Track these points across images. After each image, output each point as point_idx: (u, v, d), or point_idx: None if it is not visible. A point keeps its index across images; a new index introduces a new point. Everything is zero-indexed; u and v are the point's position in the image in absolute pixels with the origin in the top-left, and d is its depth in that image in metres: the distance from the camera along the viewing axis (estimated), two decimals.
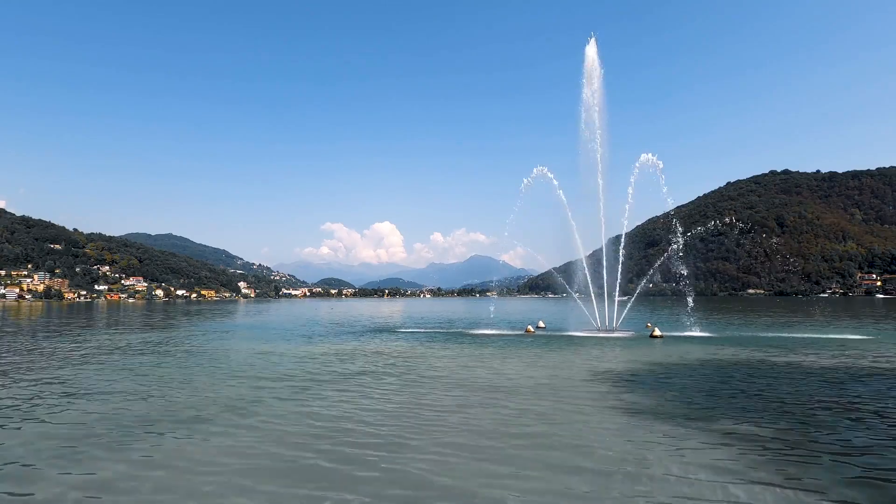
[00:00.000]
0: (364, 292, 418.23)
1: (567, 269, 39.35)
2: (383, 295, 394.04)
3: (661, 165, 34.27)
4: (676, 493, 6.96)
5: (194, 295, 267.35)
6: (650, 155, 34.29)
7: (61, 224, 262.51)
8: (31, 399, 13.32)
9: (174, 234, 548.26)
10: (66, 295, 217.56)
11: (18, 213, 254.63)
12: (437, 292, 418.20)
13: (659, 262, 42.14)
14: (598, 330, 33.52)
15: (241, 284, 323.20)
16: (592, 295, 35.37)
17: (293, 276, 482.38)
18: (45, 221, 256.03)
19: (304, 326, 43.21)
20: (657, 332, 29.77)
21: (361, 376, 16.84)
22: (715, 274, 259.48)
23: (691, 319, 37.68)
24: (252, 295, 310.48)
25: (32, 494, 7.10)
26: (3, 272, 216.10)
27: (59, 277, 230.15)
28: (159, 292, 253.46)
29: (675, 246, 38.68)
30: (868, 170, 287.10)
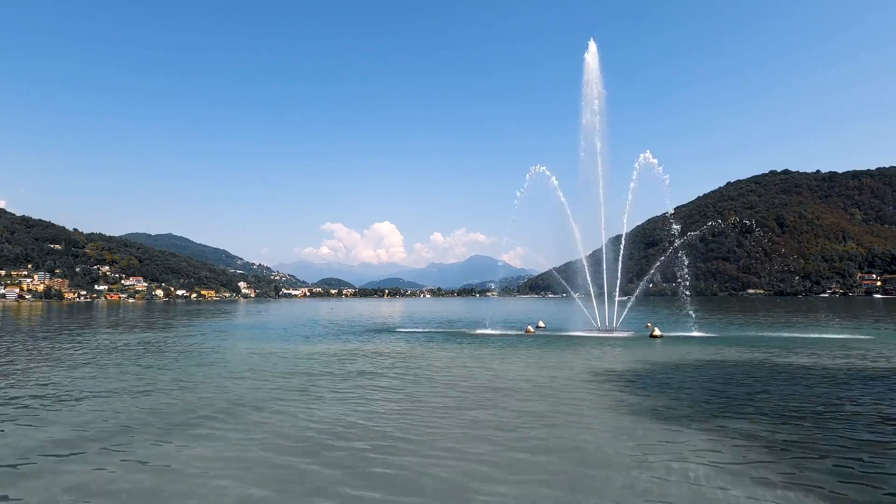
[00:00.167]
0: (364, 292, 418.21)
1: (567, 269, 39.33)
2: (383, 295, 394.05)
3: (655, 163, 34.29)
4: (676, 492, 6.93)
5: (194, 295, 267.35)
6: (647, 153, 34.33)
7: (61, 224, 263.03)
8: (23, 399, 13.27)
9: (174, 234, 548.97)
10: (66, 295, 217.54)
11: (18, 213, 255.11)
12: (437, 292, 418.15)
13: (659, 262, 42.10)
14: (598, 330, 33.50)
15: (241, 284, 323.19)
16: (592, 295, 35.35)
17: (293, 276, 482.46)
18: (45, 221, 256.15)
19: (304, 327, 43.18)
20: (657, 332, 29.75)
21: (361, 377, 16.81)
22: (715, 274, 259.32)
23: (691, 319, 37.66)
24: (252, 295, 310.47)
25: (21, 499, 6.97)
26: (3, 272, 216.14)
27: (59, 277, 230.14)
28: (159, 292, 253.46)
29: (675, 244, 38.63)
30: (868, 170, 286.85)
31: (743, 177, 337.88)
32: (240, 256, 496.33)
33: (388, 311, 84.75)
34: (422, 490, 7.18)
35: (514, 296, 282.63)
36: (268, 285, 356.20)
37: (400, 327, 41.20)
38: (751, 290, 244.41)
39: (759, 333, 32.76)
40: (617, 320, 34.36)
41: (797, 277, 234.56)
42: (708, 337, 29.94)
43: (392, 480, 7.53)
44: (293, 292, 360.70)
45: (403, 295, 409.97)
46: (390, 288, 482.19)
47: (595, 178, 34.76)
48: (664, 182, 34.31)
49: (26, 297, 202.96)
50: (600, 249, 35.22)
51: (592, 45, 35.96)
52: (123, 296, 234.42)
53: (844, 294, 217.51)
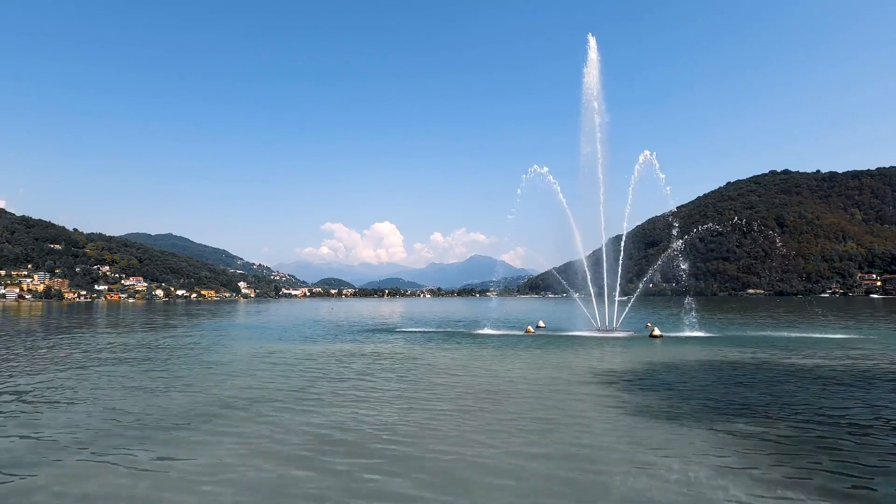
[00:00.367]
0: (364, 292, 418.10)
1: (567, 269, 39.32)
2: (383, 295, 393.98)
3: (657, 166, 34.29)
4: (677, 492, 6.93)
5: (194, 295, 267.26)
6: (648, 152, 34.33)
7: (61, 224, 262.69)
8: (18, 401, 13.26)
9: (174, 234, 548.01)
10: (66, 295, 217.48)
11: (18, 213, 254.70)
12: (437, 292, 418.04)
13: (659, 262, 42.08)
14: (598, 330, 33.51)
15: (241, 284, 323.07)
16: (592, 295, 35.35)
17: (293, 276, 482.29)
18: (45, 221, 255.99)
19: (304, 327, 43.18)
20: (657, 332, 29.76)
21: (360, 377, 16.81)
22: (715, 274, 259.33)
23: (691, 319, 37.65)
24: (252, 295, 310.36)
25: None
26: (3, 272, 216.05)
27: (59, 277, 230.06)
28: (159, 292, 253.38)
29: (675, 244, 38.65)
30: (868, 170, 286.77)
31: (743, 177, 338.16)
32: (240, 256, 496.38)
33: (387, 311, 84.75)
34: (421, 491, 7.18)
35: (514, 296, 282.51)
36: (268, 285, 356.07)
37: (400, 327, 41.20)
38: (751, 290, 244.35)
39: (759, 333, 32.76)
40: (617, 320, 34.36)
41: (797, 277, 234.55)
42: (708, 337, 29.95)
43: (391, 482, 7.52)
44: (293, 292, 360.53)
45: (403, 295, 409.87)
46: (390, 288, 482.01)
47: (595, 178, 34.79)
48: (663, 182, 34.29)
49: (26, 297, 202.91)
50: (600, 249, 35.23)
51: (592, 41, 35.88)
52: (123, 296, 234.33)
53: (844, 294, 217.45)
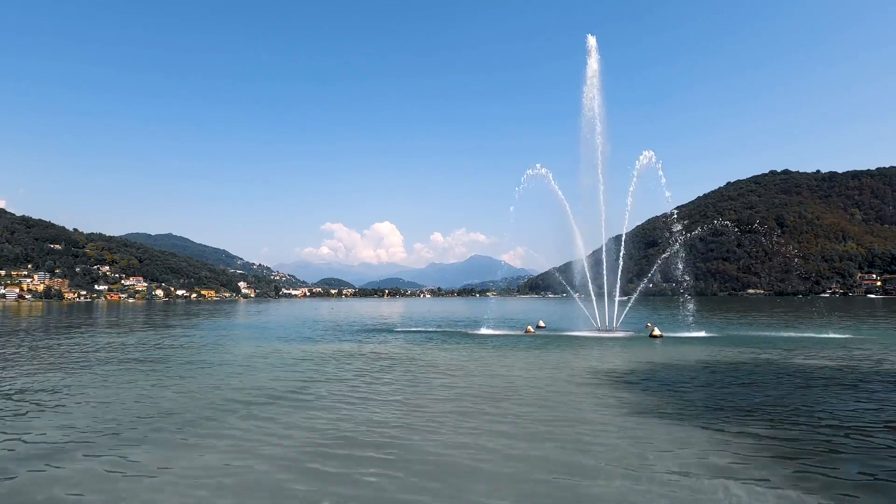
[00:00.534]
0: (364, 292, 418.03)
1: (567, 269, 39.27)
2: (383, 295, 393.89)
3: (659, 166, 34.27)
4: (676, 492, 6.91)
5: (194, 295, 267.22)
6: (649, 152, 34.30)
7: (61, 224, 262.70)
8: (14, 402, 13.24)
9: (174, 234, 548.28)
10: (66, 295, 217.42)
11: (18, 213, 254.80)
12: (437, 292, 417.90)
13: (659, 262, 42.05)
14: (598, 330, 33.48)
15: (241, 284, 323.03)
16: (592, 295, 35.32)
17: (293, 276, 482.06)
18: (45, 221, 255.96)
19: (304, 327, 43.16)
20: (657, 332, 29.74)
21: (360, 378, 16.79)
22: (715, 274, 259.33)
23: (691, 319, 37.63)
24: (252, 295, 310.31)
25: None
26: (3, 272, 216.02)
27: (59, 277, 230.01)
28: (159, 292, 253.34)
29: (675, 246, 38.62)
30: (868, 170, 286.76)
31: (743, 177, 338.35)
32: (240, 256, 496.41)
33: (387, 311, 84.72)
34: (421, 492, 7.16)
35: (514, 296, 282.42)
36: (268, 285, 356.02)
37: (399, 327, 41.18)
38: (751, 290, 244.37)
39: (759, 333, 32.74)
40: (617, 320, 34.34)
41: (797, 277, 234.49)
42: (708, 337, 29.93)
43: (391, 483, 7.51)
44: (293, 292, 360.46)
45: (403, 295, 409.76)
46: (390, 288, 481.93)
47: (595, 178, 34.77)
48: (663, 182, 34.26)
49: (26, 297, 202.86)
50: (600, 249, 35.20)
51: (592, 40, 35.83)
52: (123, 296, 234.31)
53: (844, 294, 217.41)
